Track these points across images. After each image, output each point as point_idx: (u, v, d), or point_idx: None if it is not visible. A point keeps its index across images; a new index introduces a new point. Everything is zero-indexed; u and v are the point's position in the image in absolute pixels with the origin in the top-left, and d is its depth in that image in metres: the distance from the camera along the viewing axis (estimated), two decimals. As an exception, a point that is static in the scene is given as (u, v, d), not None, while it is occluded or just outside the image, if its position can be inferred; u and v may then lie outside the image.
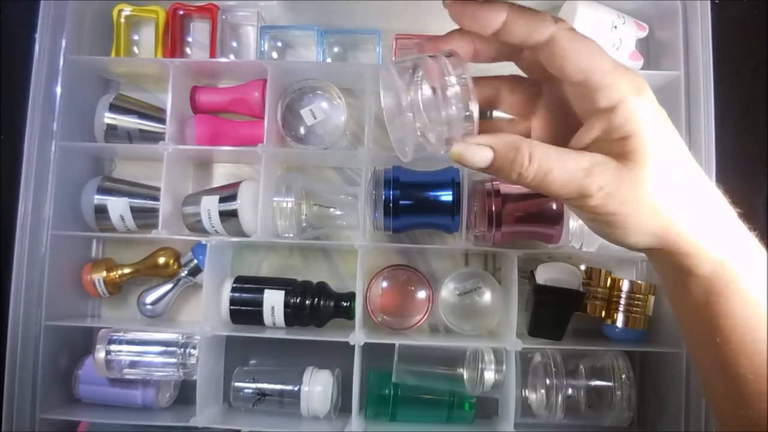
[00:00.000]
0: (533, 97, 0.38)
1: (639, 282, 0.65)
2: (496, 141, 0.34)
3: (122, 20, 0.71)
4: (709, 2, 0.62)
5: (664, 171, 0.33)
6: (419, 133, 0.35)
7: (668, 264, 0.36)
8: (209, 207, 0.66)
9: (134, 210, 0.68)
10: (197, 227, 0.68)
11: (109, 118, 0.69)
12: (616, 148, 0.33)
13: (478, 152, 0.34)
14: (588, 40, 0.33)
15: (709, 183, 0.35)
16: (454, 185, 0.63)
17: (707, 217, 0.35)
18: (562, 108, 0.36)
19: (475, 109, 0.34)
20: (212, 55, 0.71)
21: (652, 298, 0.64)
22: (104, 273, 0.69)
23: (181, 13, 0.71)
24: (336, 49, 0.73)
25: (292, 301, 0.66)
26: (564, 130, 0.37)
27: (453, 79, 0.34)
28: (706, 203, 0.35)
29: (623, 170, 0.33)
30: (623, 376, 0.62)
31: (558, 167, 0.33)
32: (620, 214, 0.34)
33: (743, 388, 0.36)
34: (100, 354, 0.64)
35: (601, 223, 0.35)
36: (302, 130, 0.68)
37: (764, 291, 0.35)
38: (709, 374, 0.38)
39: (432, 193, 0.63)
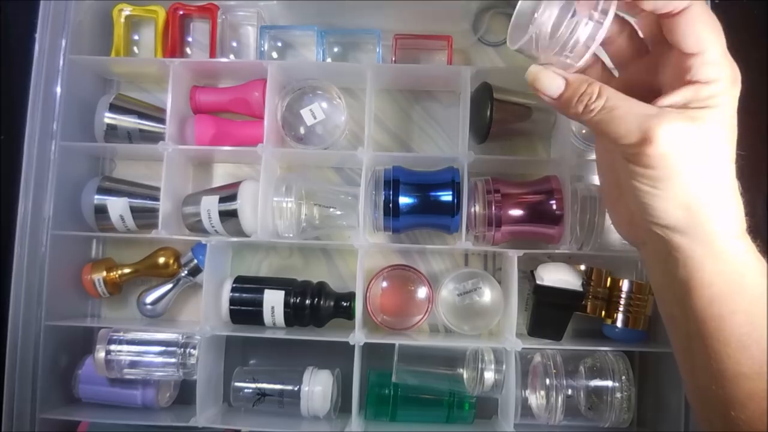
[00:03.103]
0: (640, 53, 0.40)
1: (639, 282, 0.64)
2: (570, 74, 0.37)
3: (122, 20, 0.71)
4: (709, 2, 0.62)
5: (721, 153, 0.36)
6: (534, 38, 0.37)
7: (673, 258, 0.37)
8: (209, 207, 0.66)
9: (134, 210, 0.68)
10: (197, 227, 0.68)
11: (109, 118, 0.69)
12: (690, 113, 0.35)
13: (553, 79, 0.37)
14: (713, 18, 0.35)
15: (733, 193, 0.37)
16: (454, 185, 0.63)
17: (726, 212, 0.36)
18: (648, 78, 0.39)
19: (590, 50, 0.37)
20: (212, 55, 0.71)
21: (652, 298, 0.64)
22: (104, 273, 0.69)
23: (181, 13, 0.71)
24: (336, 49, 0.73)
25: (292, 301, 0.66)
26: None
27: (595, 15, 0.36)
28: (728, 198, 0.37)
29: (692, 128, 0.35)
30: (623, 377, 0.62)
31: (625, 106, 0.35)
32: (670, 172, 0.35)
33: (742, 388, 0.36)
34: (100, 354, 0.64)
35: (647, 179, 0.36)
36: (302, 130, 0.68)
37: (764, 290, 0.35)
38: (704, 377, 0.38)
39: (432, 193, 0.63)
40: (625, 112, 0.35)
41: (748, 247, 0.37)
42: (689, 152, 0.35)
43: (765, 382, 0.35)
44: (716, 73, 0.35)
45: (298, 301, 0.66)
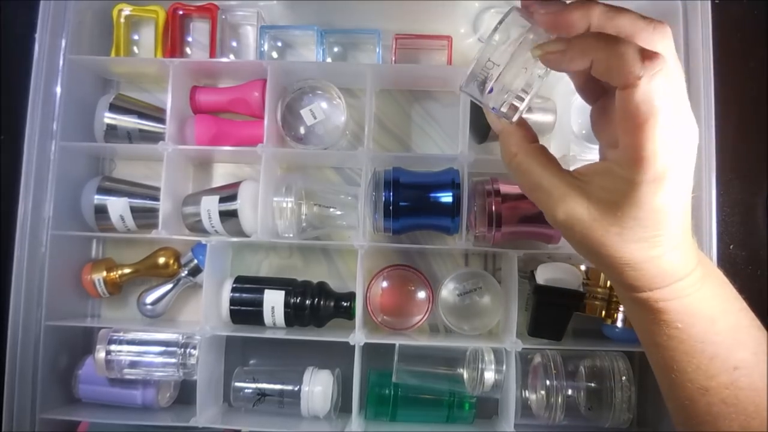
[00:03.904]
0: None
1: (639, 282, 0.64)
2: (505, 126, 0.39)
3: (122, 20, 0.71)
4: (709, 2, 0.62)
5: (634, 235, 0.34)
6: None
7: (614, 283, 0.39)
8: (209, 207, 0.66)
9: (134, 210, 0.68)
10: (197, 227, 0.68)
11: (109, 118, 0.69)
12: (608, 194, 0.34)
13: (497, 122, 0.40)
14: (669, 101, 0.31)
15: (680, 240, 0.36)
16: (454, 186, 0.63)
17: (651, 264, 0.36)
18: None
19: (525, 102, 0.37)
20: (212, 55, 0.71)
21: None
22: (104, 273, 0.69)
23: (181, 13, 0.71)
24: (336, 49, 0.73)
25: (292, 301, 0.66)
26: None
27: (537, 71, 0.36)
28: (653, 254, 0.35)
29: (595, 214, 0.35)
30: (623, 378, 0.62)
31: (527, 177, 0.38)
32: (573, 245, 0.37)
33: (682, 412, 0.39)
34: (100, 354, 0.64)
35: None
36: (302, 130, 0.68)
37: (695, 328, 0.37)
38: (664, 393, 0.41)
39: (432, 195, 0.63)
40: (530, 182, 0.38)
41: (679, 289, 0.36)
42: (589, 236, 0.35)
43: (698, 410, 0.37)
44: (628, 172, 0.33)
45: (298, 301, 0.66)
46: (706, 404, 0.37)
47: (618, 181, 0.34)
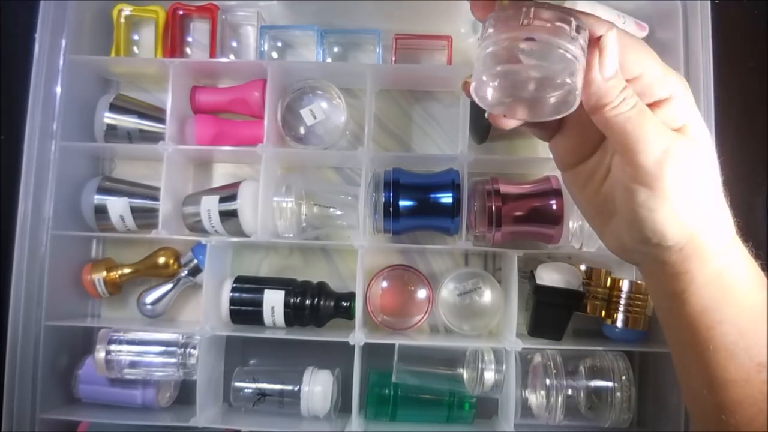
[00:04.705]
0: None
1: (639, 282, 0.64)
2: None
3: (122, 20, 0.71)
4: (709, 2, 0.62)
5: (712, 165, 0.36)
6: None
7: (667, 273, 0.37)
8: (209, 207, 0.66)
9: (134, 210, 0.68)
10: (197, 227, 0.68)
11: (109, 118, 0.69)
12: (685, 131, 0.35)
13: (613, 56, 0.33)
14: (638, 39, 0.34)
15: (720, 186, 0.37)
16: (454, 187, 0.63)
17: (718, 223, 0.36)
18: (585, 125, 0.37)
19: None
20: (212, 55, 0.71)
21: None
22: (104, 273, 0.69)
23: (181, 13, 0.71)
24: (336, 49, 0.73)
25: (292, 301, 0.66)
26: (582, 145, 0.39)
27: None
28: (719, 209, 0.36)
29: (692, 147, 0.35)
30: (623, 378, 0.62)
31: (652, 116, 0.34)
32: (676, 191, 0.34)
33: (730, 394, 0.37)
34: (100, 354, 0.64)
35: (650, 199, 0.35)
36: (302, 130, 0.68)
37: (756, 299, 0.36)
38: (697, 382, 0.39)
39: (432, 195, 0.63)
40: (651, 122, 0.34)
41: (737, 256, 0.37)
42: (693, 169, 0.35)
43: (752, 389, 0.36)
44: (672, 86, 0.34)
45: (298, 301, 0.66)
46: (760, 382, 0.36)
47: (675, 110, 0.34)
